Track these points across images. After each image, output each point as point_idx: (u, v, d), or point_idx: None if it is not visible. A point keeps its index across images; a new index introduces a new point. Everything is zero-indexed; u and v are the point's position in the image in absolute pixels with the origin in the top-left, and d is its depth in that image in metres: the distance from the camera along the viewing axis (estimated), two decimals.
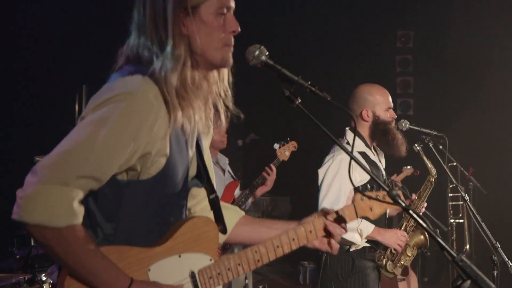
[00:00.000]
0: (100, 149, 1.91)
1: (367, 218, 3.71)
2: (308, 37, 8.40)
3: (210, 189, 2.34)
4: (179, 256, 2.14)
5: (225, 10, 2.12)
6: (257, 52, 2.19)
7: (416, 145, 4.41)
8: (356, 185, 4.18)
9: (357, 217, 2.55)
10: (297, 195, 8.68)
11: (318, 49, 8.60)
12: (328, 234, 2.46)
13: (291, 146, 5.81)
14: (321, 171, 4.35)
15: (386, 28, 8.66)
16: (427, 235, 4.43)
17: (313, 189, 4.51)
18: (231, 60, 2.18)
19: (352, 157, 2.25)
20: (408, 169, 5.96)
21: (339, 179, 4.26)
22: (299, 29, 8.23)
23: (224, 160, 6.01)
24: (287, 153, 5.80)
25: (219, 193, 5.85)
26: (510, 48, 7.93)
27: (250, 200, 5.71)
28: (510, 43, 7.88)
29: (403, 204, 2.22)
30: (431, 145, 4.41)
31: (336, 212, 2.50)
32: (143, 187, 2.07)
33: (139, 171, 2.05)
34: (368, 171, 2.29)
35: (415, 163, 5.87)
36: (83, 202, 1.98)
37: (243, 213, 2.56)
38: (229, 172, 5.93)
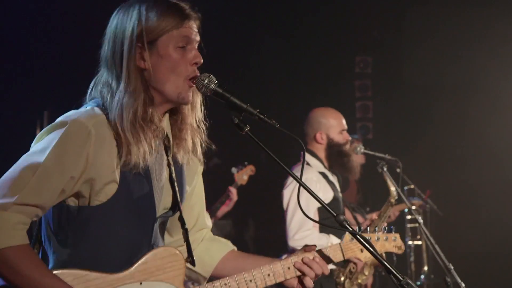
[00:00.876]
0: (37, 178, 1.99)
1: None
2: (267, 63, 8.47)
3: (181, 222, 2.37)
4: (140, 283, 2.15)
5: (184, 44, 2.17)
6: (206, 81, 2.22)
7: (380, 165, 4.47)
8: (319, 205, 4.23)
9: (343, 258, 2.51)
10: (260, 219, 8.69)
11: (277, 75, 8.69)
12: (307, 273, 2.40)
13: (249, 170, 5.86)
14: (286, 192, 4.41)
15: (345, 54, 8.78)
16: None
17: (277, 212, 4.55)
18: (190, 98, 2.22)
19: (301, 184, 2.31)
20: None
21: (306, 198, 4.31)
22: (257, 55, 8.30)
23: None
24: (245, 177, 5.86)
25: None
26: (466, 72, 8.10)
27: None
28: (465, 67, 8.06)
29: (351, 229, 2.27)
30: (385, 169, 4.50)
31: (319, 251, 2.46)
32: (96, 213, 2.09)
33: (87, 197, 2.09)
34: (317, 197, 2.34)
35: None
36: (43, 227, 2.12)
37: (233, 247, 2.56)
38: None
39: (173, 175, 2.29)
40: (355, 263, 4.29)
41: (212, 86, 2.22)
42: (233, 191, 5.84)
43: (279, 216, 4.51)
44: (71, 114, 2.11)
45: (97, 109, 2.11)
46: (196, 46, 2.22)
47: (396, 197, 4.55)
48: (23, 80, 7.11)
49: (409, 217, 6.74)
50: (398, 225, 7.20)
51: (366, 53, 8.95)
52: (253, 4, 7.85)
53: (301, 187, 2.30)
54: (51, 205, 2.06)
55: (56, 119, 2.12)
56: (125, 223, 2.15)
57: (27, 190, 1.97)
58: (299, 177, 2.26)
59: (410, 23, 8.49)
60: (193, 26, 2.21)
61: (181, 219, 2.36)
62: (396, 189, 4.45)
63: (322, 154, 4.53)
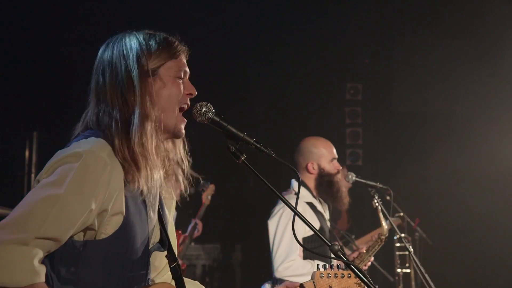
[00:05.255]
0: (58, 210, 1.93)
1: None
2: (256, 89, 8.53)
3: (172, 258, 2.35)
4: None
5: (182, 74, 2.22)
6: (203, 109, 2.25)
7: (375, 200, 4.46)
8: (304, 235, 4.25)
9: None
10: (248, 244, 8.68)
11: (267, 101, 8.73)
12: None
13: (211, 190, 6.08)
14: (272, 222, 4.40)
15: (336, 81, 8.85)
16: None
17: (265, 237, 4.54)
18: (183, 131, 2.25)
19: (296, 213, 2.31)
20: (395, 219, 6.00)
21: (291, 228, 4.29)
22: (247, 81, 8.35)
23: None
24: (209, 197, 6.07)
25: None
26: (455, 100, 8.18)
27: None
28: (455, 95, 8.14)
29: (345, 260, 2.27)
30: (376, 197, 4.50)
31: None
32: (100, 247, 2.06)
33: (96, 230, 2.05)
34: (311, 226, 2.34)
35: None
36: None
37: (203, 287, 2.54)
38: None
39: (162, 209, 2.30)
40: None
41: (210, 114, 2.25)
42: (200, 223, 6.08)
43: (265, 241, 4.51)
44: (80, 145, 2.05)
45: (102, 140, 2.08)
46: (188, 78, 2.27)
47: (387, 235, 4.55)
48: (12, 102, 7.10)
49: (398, 245, 6.74)
50: (387, 253, 7.23)
51: (356, 80, 9.02)
52: (243, 31, 7.91)
53: (295, 216, 2.29)
54: (67, 238, 2.00)
55: (57, 153, 2.07)
56: (126, 256, 2.13)
57: (47, 224, 1.91)
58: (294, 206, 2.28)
59: (400, 51, 8.59)
60: (185, 58, 2.27)
61: (171, 255, 2.34)
62: (388, 219, 4.44)
63: (311, 183, 4.54)
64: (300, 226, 3.95)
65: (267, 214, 4.57)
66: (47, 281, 2.01)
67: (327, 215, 4.65)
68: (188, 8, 7.09)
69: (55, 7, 6.64)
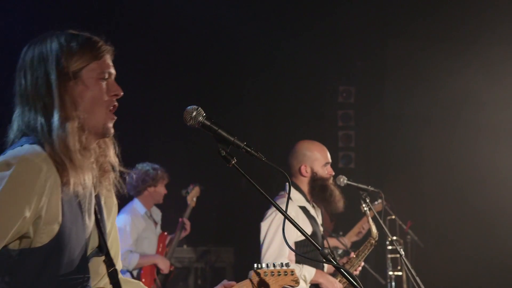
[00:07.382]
0: None
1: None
2: (249, 91, 8.52)
3: (109, 263, 2.30)
4: None
5: (106, 75, 2.18)
6: (194, 113, 2.25)
7: (364, 205, 4.45)
8: (296, 239, 4.24)
9: None
10: (241, 246, 8.67)
11: (260, 104, 8.73)
12: None
13: (196, 191, 6.04)
14: (264, 224, 4.39)
15: (328, 84, 8.86)
16: None
17: (257, 240, 4.54)
18: (112, 130, 2.22)
19: (286, 217, 2.31)
20: (376, 205, 5.92)
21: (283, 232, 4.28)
22: (240, 83, 8.34)
23: (157, 213, 6.09)
24: (194, 199, 6.03)
25: (153, 246, 5.96)
26: (448, 103, 8.20)
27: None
28: (448, 98, 8.16)
29: (335, 263, 2.27)
30: (368, 201, 4.49)
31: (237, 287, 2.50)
32: (36, 256, 2.03)
33: (31, 238, 2.02)
34: (301, 230, 2.34)
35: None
36: None
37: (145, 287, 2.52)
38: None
39: (98, 212, 2.26)
40: None
41: (200, 118, 2.24)
42: (187, 222, 6.04)
43: (258, 244, 4.51)
44: (13, 153, 2.03)
45: (36, 146, 2.06)
46: (113, 79, 2.24)
47: (377, 239, 4.54)
48: (7, 103, 7.06)
49: (390, 247, 6.74)
50: (379, 256, 7.23)
51: (349, 83, 9.02)
52: (236, 35, 7.91)
53: (286, 220, 2.29)
54: (0, 248, 1.96)
55: None
56: (64, 264, 2.08)
57: None
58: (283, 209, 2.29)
59: (392, 53, 8.61)
60: (109, 59, 2.23)
61: (109, 260, 2.30)
62: (379, 220, 4.44)
63: (305, 187, 4.53)
64: (292, 230, 3.94)
65: (260, 217, 4.56)
66: None
67: (319, 220, 4.64)
68: (183, 12, 7.09)
69: (51, 9, 6.64)
